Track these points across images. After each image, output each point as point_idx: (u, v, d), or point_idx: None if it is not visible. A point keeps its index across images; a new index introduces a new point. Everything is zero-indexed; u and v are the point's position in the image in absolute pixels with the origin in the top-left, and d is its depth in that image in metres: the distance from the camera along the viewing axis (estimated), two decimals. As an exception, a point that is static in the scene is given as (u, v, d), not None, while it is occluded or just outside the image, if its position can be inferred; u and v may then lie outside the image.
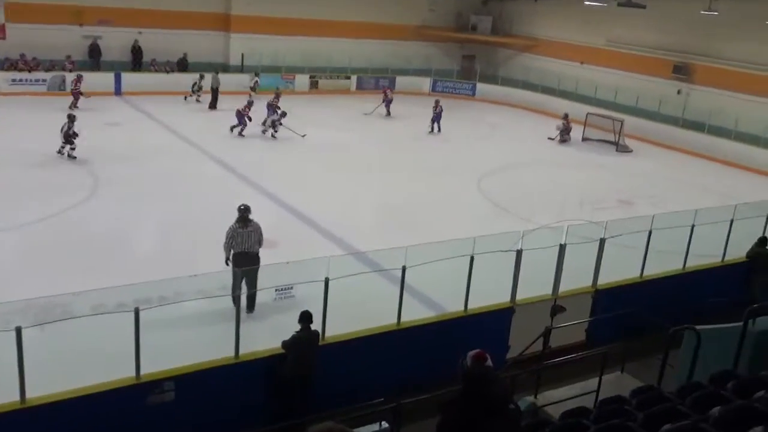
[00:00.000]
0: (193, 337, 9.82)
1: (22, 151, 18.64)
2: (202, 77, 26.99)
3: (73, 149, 18.20)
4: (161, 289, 8.69)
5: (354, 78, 32.97)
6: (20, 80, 25.84)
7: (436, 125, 25.52)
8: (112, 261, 12.42)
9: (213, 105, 26.38)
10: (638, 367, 9.69)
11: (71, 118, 18.34)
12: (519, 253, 10.07)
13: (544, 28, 34.09)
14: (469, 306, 9.92)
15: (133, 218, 15.07)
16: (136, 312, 7.45)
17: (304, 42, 31.72)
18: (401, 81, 33.67)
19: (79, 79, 24.48)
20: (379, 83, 33.07)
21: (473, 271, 9.61)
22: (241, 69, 30.41)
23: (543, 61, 33.66)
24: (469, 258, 9.55)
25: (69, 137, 18.09)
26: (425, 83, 34.36)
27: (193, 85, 27.12)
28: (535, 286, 10.72)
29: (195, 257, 12.41)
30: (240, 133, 22.23)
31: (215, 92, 26.43)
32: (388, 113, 27.84)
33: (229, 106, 23.54)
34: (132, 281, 8.60)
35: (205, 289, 9.24)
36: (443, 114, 25.41)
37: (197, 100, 26.87)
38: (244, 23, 30.63)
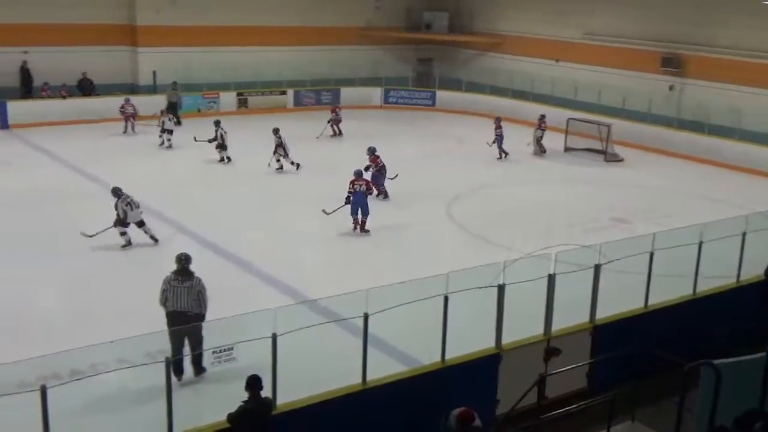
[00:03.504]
0: (117, 417, 9.65)
1: None
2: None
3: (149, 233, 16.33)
4: (73, 361, 8.53)
5: (290, 93, 33.12)
6: None
7: (500, 149, 25.54)
8: (9, 331, 12.14)
9: (178, 121, 27.50)
10: (651, 414, 9.82)
11: (117, 196, 15.95)
12: (501, 288, 10.13)
13: (511, 23, 34.81)
14: (448, 356, 9.94)
15: (33, 278, 14.74)
16: (43, 391, 7.28)
17: (229, 54, 31.83)
18: (347, 93, 33.93)
19: (127, 102, 26.68)
20: (321, 97, 33.26)
21: (449, 313, 9.64)
22: (153, 89, 30.30)
23: (512, 60, 34.33)
24: (443, 298, 9.57)
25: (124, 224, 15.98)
26: (375, 94, 34.70)
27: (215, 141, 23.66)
28: (524, 326, 10.80)
29: (111, 320, 12.24)
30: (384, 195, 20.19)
31: (174, 108, 28.14)
32: (339, 133, 28.12)
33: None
34: (35, 354, 8.41)
35: (128, 358, 9.08)
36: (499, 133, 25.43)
37: (223, 160, 23.55)
38: (153, 35, 30.63)
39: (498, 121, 25.85)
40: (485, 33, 35.84)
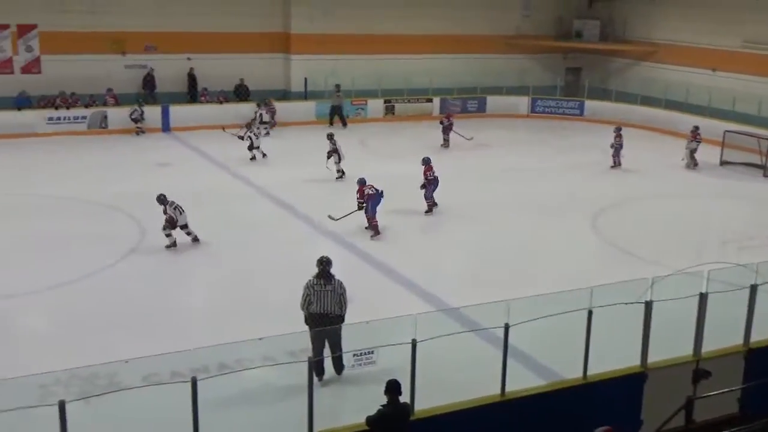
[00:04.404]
0: (259, 412, 9.95)
1: (59, 198, 19.56)
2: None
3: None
4: (221, 355, 8.85)
5: (436, 100, 33.28)
6: (58, 118, 27.26)
7: (616, 159, 24.89)
8: (163, 323, 12.75)
9: (344, 123, 29.76)
10: (810, 446, 9.21)
11: (164, 203, 16.34)
12: (649, 304, 9.81)
13: (665, 31, 33.63)
14: (590, 371, 9.69)
15: (187, 273, 15.48)
16: (194, 382, 7.54)
17: (377, 61, 32.29)
18: (494, 102, 33.88)
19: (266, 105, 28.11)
20: (467, 105, 33.24)
21: (593, 328, 9.41)
22: (304, 95, 31.17)
23: (665, 70, 33.15)
24: (586, 312, 9.37)
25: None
26: (522, 103, 34.35)
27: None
28: (672, 345, 10.40)
29: (258, 318, 12.65)
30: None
31: (339, 110, 30.10)
32: (444, 142, 27.21)
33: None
34: (186, 347, 8.78)
35: (272, 355, 9.35)
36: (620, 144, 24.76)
37: (254, 158, 24.49)
38: (305, 43, 31.50)
39: (618, 130, 25.06)
40: (638, 41, 34.77)
